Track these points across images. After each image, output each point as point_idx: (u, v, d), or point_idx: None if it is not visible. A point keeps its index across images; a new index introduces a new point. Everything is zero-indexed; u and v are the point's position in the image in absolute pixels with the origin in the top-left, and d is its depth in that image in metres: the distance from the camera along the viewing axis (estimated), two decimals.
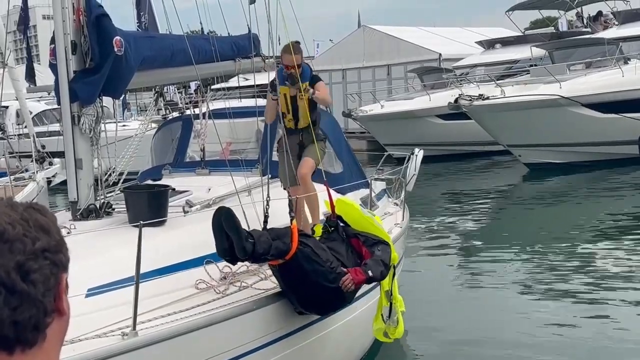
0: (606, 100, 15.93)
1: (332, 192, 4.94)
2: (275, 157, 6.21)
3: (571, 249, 9.53)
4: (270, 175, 5.44)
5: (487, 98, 16.02)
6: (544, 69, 17.31)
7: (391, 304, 4.67)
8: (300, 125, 5.44)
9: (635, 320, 6.74)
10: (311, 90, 5.26)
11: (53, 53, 4.74)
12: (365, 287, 5.01)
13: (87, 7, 4.69)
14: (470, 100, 16.04)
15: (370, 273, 4.31)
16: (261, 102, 6.82)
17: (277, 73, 5.46)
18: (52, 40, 4.75)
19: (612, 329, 6.44)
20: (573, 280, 8.19)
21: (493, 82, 17.72)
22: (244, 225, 4.53)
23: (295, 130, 5.47)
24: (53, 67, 4.78)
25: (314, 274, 4.08)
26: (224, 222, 3.95)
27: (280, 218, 4.53)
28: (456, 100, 16.23)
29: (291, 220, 4.38)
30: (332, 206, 4.68)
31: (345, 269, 4.23)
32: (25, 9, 11.29)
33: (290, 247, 4.01)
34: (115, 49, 4.66)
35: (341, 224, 4.64)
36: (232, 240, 3.93)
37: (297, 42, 5.61)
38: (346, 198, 4.87)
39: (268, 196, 4.66)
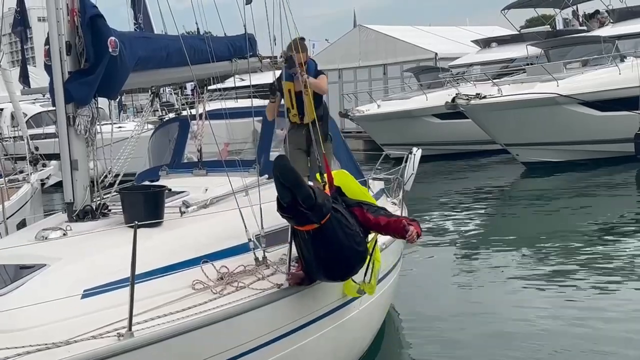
0: (603, 98, 15.94)
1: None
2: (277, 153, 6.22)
3: (569, 247, 9.53)
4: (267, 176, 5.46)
5: (484, 97, 16.03)
6: (541, 67, 17.31)
7: (368, 266, 4.69)
8: (306, 120, 5.50)
9: (633, 316, 6.73)
10: (305, 75, 5.45)
11: (47, 54, 4.72)
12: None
13: (81, 8, 4.67)
14: (467, 99, 16.04)
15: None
16: (257, 102, 6.83)
17: (282, 70, 5.67)
18: (47, 41, 4.73)
19: (610, 323, 6.44)
20: (571, 277, 8.18)
21: (489, 81, 17.71)
22: (240, 225, 4.54)
23: (301, 125, 5.52)
24: (48, 68, 4.76)
25: (346, 238, 4.16)
26: (281, 176, 3.99)
27: (278, 218, 4.50)
28: (453, 100, 16.23)
29: (323, 186, 4.45)
30: (330, 178, 4.68)
31: (411, 225, 4.40)
32: (22, 12, 11.26)
33: (330, 208, 4.08)
34: (110, 50, 4.64)
35: (339, 196, 4.64)
36: (293, 192, 3.96)
37: (302, 39, 5.73)
38: (342, 170, 4.91)
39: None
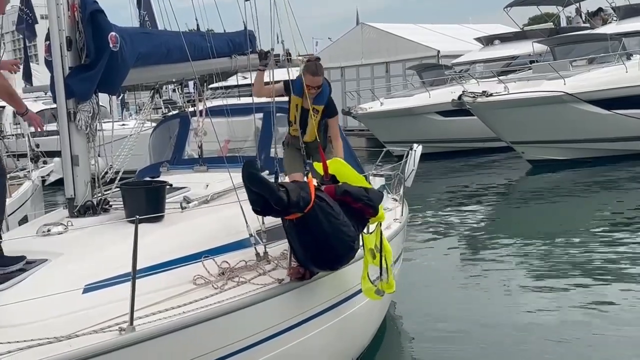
0: (610, 97, 15.89)
1: None
2: (274, 153, 6.22)
3: (574, 246, 9.49)
4: (267, 172, 5.46)
5: (491, 95, 15.98)
6: (548, 65, 17.24)
7: (381, 262, 4.65)
8: (306, 139, 5.55)
9: (635, 313, 6.70)
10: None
11: (48, 49, 4.73)
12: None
13: (81, 3, 4.67)
14: (473, 97, 16.00)
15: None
16: (259, 100, 6.82)
17: (295, 81, 5.60)
18: (47, 37, 4.74)
19: (612, 323, 6.41)
20: (575, 275, 8.15)
21: (493, 79, 17.66)
22: (241, 221, 4.54)
23: (300, 139, 5.58)
24: (48, 63, 4.77)
25: (331, 227, 4.12)
26: (247, 181, 3.97)
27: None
28: (460, 97, 16.19)
29: (306, 174, 4.42)
30: (325, 166, 4.68)
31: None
32: (30, 9, 11.24)
33: (310, 198, 4.05)
34: (111, 45, 4.64)
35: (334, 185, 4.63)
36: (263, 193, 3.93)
37: (318, 59, 5.74)
38: (336, 158, 4.91)
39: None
